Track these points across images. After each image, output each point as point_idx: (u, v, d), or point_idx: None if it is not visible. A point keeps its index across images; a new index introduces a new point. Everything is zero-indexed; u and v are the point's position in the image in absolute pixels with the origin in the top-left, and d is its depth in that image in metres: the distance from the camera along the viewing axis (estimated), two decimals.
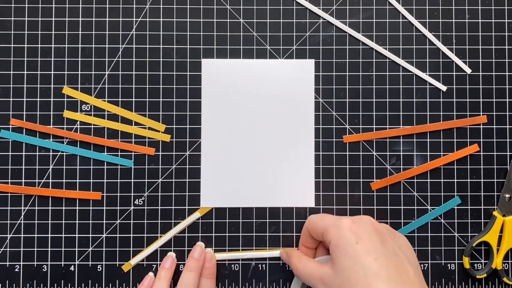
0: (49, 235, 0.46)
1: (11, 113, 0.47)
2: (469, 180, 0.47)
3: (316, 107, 0.47)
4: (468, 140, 0.48)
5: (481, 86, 0.48)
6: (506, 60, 0.48)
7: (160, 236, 0.47)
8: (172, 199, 0.47)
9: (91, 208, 0.47)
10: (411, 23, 0.48)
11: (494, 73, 0.48)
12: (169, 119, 0.47)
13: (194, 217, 0.46)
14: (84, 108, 0.47)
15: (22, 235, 0.46)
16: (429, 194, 0.47)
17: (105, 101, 0.47)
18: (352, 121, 0.48)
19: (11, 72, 0.47)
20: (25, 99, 0.47)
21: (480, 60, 0.48)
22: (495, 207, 0.47)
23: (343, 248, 0.37)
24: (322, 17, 0.48)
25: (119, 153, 0.47)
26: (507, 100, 0.48)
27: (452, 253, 0.47)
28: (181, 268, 0.46)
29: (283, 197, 0.47)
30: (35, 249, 0.46)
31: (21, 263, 0.46)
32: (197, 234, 0.47)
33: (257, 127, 0.47)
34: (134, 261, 0.46)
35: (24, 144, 0.47)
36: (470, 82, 0.48)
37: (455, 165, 0.47)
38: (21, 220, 0.46)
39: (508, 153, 0.48)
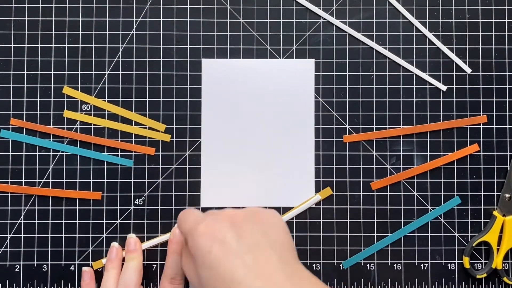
0: (49, 235, 0.46)
1: (11, 113, 0.47)
2: (469, 180, 0.47)
3: (316, 107, 0.47)
4: (468, 140, 0.48)
5: (481, 86, 0.48)
6: (506, 60, 0.48)
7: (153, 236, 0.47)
8: (172, 199, 0.47)
9: (91, 208, 0.47)
10: (411, 23, 0.48)
11: (494, 73, 0.48)
12: (169, 119, 0.47)
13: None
14: (84, 108, 0.47)
15: (22, 235, 0.46)
16: (429, 194, 0.47)
17: (105, 101, 0.47)
18: (352, 121, 0.48)
19: (11, 72, 0.47)
20: (25, 99, 0.47)
21: (480, 60, 0.48)
22: (495, 207, 0.47)
23: (199, 258, 0.34)
24: (322, 17, 0.48)
25: (119, 153, 0.47)
26: (507, 100, 0.48)
27: (452, 253, 0.47)
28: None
29: (283, 197, 0.47)
30: (35, 249, 0.46)
31: (21, 263, 0.46)
32: None
33: (257, 127, 0.47)
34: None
35: (24, 144, 0.47)
36: (470, 82, 0.48)
37: (455, 165, 0.47)
38: (21, 220, 0.46)
39: (508, 153, 0.48)
